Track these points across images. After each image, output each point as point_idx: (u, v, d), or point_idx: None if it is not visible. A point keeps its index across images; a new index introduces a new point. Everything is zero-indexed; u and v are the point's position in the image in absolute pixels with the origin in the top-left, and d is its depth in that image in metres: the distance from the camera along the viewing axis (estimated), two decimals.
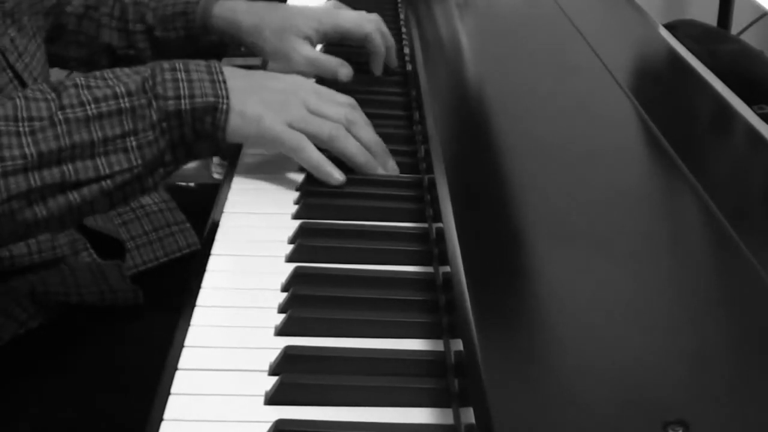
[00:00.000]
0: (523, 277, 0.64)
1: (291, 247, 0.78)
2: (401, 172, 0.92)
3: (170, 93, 0.81)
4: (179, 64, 0.83)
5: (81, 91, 0.80)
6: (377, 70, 1.16)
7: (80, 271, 0.98)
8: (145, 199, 1.11)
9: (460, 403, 0.58)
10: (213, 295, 0.72)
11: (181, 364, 0.64)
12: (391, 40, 1.16)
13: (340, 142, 0.87)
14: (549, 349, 0.56)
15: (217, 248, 0.79)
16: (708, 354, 0.55)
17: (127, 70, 0.83)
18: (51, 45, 1.14)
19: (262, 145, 0.91)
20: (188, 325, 0.68)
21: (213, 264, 0.77)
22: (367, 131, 0.89)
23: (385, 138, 0.99)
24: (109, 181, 0.80)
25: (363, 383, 0.62)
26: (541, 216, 0.71)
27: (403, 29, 1.32)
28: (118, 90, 0.80)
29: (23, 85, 0.94)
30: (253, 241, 0.80)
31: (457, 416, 0.58)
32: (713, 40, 1.20)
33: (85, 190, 0.79)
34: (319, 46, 1.17)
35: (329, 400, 0.61)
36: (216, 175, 2.31)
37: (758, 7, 1.86)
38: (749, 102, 0.90)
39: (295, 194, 0.88)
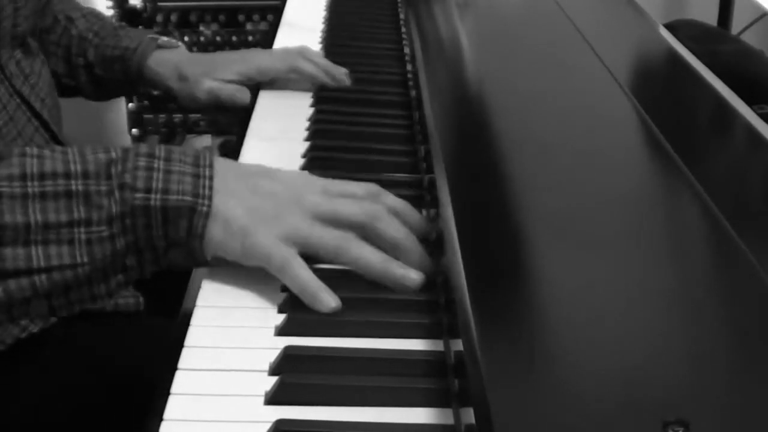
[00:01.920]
0: (523, 277, 0.64)
1: None
2: (401, 172, 0.92)
3: (139, 184, 0.67)
4: (161, 150, 0.70)
5: (27, 161, 0.66)
6: (329, 83, 1.14)
7: None
8: None
9: (460, 403, 0.58)
10: (213, 295, 0.72)
11: (181, 364, 0.64)
12: (325, 63, 1.14)
13: (350, 253, 0.71)
14: (549, 349, 0.56)
15: None
16: (708, 354, 0.55)
17: (97, 147, 0.70)
18: None
19: (249, 264, 0.72)
20: (188, 325, 0.68)
21: (213, 264, 0.76)
22: (392, 226, 0.72)
23: (385, 138, 0.99)
24: (43, 277, 0.66)
25: (363, 383, 0.62)
26: (541, 216, 0.71)
27: (403, 29, 1.32)
28: (73, 168, 0.66)
29: (31, 109, 0.93)
30: None
31: (457, 416, 0.58)
32: (713, 40, 1.20)
33: (12, 283, 0.65)
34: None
35: (329, 400, 0.61)
36: None
37: (758, 7, 1.86)
38: (749, 102, 0.90)
39: None
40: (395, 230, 0.72)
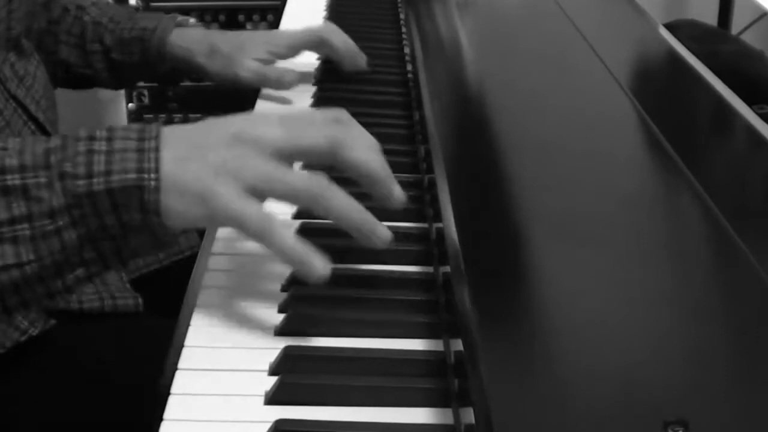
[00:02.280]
0: (523, 277, 0.64)
1: None
2: (401, 172, 0.91)
3: (80, 170, 0.62)
4: (102, 131, 0.65)
5: None
6: (352, 65, 1.15)
7: None
8: None
9: (460, 403, 0.58)
10: (213, 295, 0.72)
11: (181, 364, 0.64)
12: (349, 41, 1.14)
13: (323, 201, 0.65)
14: (549, 349, 0.56)
15: (216, 247, 0.79)
16: (708, 354, 0.55)
17: (37, 138, 0.66)
18: None
19: (217, 227, 0.69)
20: (188, 325, 0.69)
21: (213, 264, 0.77)
22: (362, 152, 0.67)
23: (386, 138, 0.99)
24: None
25: (363, 383, 0.62)
26: (542, 216, 0.71)
27: (403, 29, 1.32)
28: (8, 163, 0.62)
29: (27, 113, 0.93)
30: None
31: (457, 416, 0.58)
32: (713, 40, 1.20)
33: None
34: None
35: (329, 400, 0.61)
36: None
37: (758, 7, 1.86)
38: (749, 102, 0.90)
39: None
40: (366, 157, 0.67)
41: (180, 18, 1.16)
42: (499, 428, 0.48)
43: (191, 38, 1.13)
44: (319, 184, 0.65)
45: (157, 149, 0.64)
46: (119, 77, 1.19)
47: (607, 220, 0.71)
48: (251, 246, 0.79)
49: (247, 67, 1.10)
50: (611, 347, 0.55)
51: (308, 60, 1.21)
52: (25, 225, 0.62)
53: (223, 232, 0.81)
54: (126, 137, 0.64)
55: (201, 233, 1.07)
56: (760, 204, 0.75)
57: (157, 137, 0.64)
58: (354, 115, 1.04)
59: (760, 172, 0.81)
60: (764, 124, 0.85)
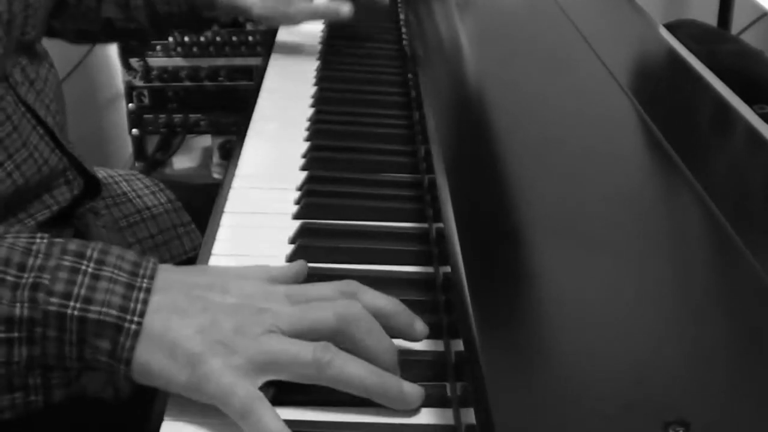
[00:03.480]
0: (523, 277, 0.64)
1: (291, 247, 0.78)
2: (401, 172, 0.92)
3: (58, 287, 0.55)
4: (94, 251, 0.58)
5: None
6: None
7: None
8: (151, 200, 1.10)
9: (460, 403, 0.58)
10: None
11: None
12: None
13: (331, 369, 0.57)
14: (549, 349, 0.56)
15: (217, 248, 0.79)
16: (708, 354, 0.55)
17: (22, 233, 0.59)
18: (52, 20, 1.14)
19: (193, 398, 0.58)
20: None
21: (213, 264, 0.77)
22: (373, 333, 0.60)
23: (386, 138, 0.99)
24: None
25: None
26: (542, 216, 0.71)
27: (403, 29, 1.32)
28: None
29: (36, 117, 0.93)
30: (253, 241, 0.80)
31: (457, 416, 0.58)
32: (713, 40, 1.20)
33: None
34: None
35: (329, 400, 0.61)
36: (216, 175, 2.31)
37: (758, 7, 1.86)
38: (749, 102, 0.90)
39: (296, 194, 0.88)
40: (376, 339, 0.59)
41: None
42: (499, 428, 0.48)
43: None
44: (328, 357, 0.57)
45: (148, 290, 0.57)
46: (161, 28, 1.23)
47: (606, 220, 0.71)
48: (251, 247, 0.79)
49: (300, 7, 1.16)
50: (611, 347, 0.55)
51: (309, 58, 1.21)
52: None
53: (223, 233, 0.81)
54: (117, 266, 0.58)
55: (200, 233, 1.07)
56: (760, 204, 0.75)
57: (151, 278, 0.58)
58: (354, 114, 1.05)
59: (760, 172, 0.81)
60: (764, 124, 0.85)
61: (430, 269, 0.75)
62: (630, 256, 0.65)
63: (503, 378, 0.52)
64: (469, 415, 0.53)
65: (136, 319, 0.55)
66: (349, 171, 0.91)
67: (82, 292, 0.55)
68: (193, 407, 0.60)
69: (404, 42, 1.27)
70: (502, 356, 0.55)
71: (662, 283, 0.63)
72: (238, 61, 2.17)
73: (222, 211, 0.85)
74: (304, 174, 0.91)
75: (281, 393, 0.61)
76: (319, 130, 1.01)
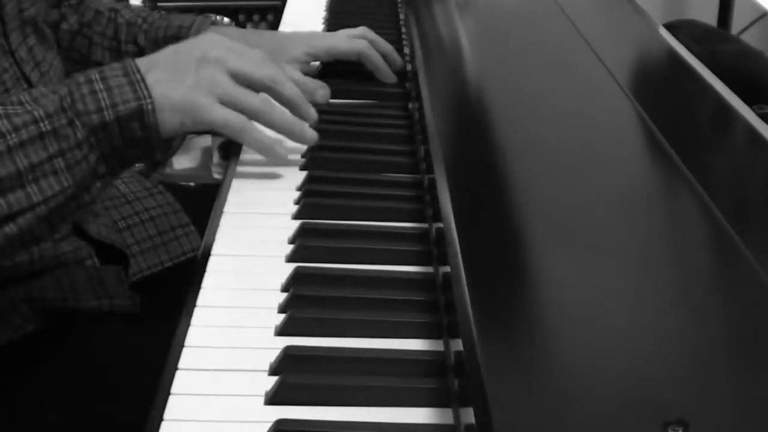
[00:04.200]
0: (523, 277, 0.64)
1: (291, 247, 0.78)
2: (401, 172, 0.92)
3: (91, 107, 0.78)
4: (95, 74, 0.80)
5: (0, 121, 0.76)
6: (387, 79, 1.14)
7: (78, 278, 0.98)
8: (150, 202, 1.11)
9: (460, 403, 0.58)
10: (213, 295, 0.72)
11: (181, 364, 0.64)
12: (387, 46, 1.15)
13: (266, 115, 0.86)
14: (549, 349, 0.56)
15: (217, 248, 0.79)
16: (708, 354, 0.55)
17: (44, 90, 0.80)
18: None
19: (205, 129, 0.86)
20: (188, 325, 0.69)
21: (213, 264, 0.77)
22: (289, 88, 0.89)
23: (385, 138, 0.99)
24: (43, 207, 0.77)
25: (363, 383, 0.62)
26: (542, 216, 0.71)
27: (403, 29, 1.32)
28: (36, 114, 0.77)
29: None
30: (253, 241, 0.80)
31: (457, 416, 0.58)
32: (713, 40, 1.20)
33: (21, 220, 0.76)
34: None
35: (329, 400, 0.61)
36: (216, 175, 2.31)
37: (758, 7, 1.86)
38: (749, 102, 0.90)
39: (295, 194, 0.88)
40: (291, 91, 0.89)
41: (215, 17, 1.17)
42: (499, 428, 0.48)
43: (228, 35, 1.10)
44: (268, 108, 0.86)
45: (143, 80, 0.80)
46: None
47: (606, 220, 0.71)
48: (251, 247, 0.79)
49: (288, 74, 1.11)
50: (611, 347, 0.55)
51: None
52: (60, 159, 0.77)
53: (223, 234, 0.81)
54: (115, 75, 0.80)
55: (200, 233, 1.07)
56: (760, 204, 0.75)
57: (138, 70, 0.80)
58: (354, 114, 1.05)
59: (760, 172, 0.81)
60: (764, 124, 0.85)
61: (429, 269, 0.75)
62: (630, 256, 0.65)
63: (502, 378, 0.52)
64: (469, 415, 0.53)
65: (149, 101, 0.79)
66: (349, 171, 0.91)
67: (107, 102, 0.78)
68: (193, 408, 0.60)
69: (404, 42, 1.27)
70: (502, 356, 0.55)
71: (662, 283, 0.63)
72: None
73: (222, 211, 0.85)
74: (304, 174, 0.91)
75: (282, 393, 0.61)
76: (318, 129, 1.01)
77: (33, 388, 0.89)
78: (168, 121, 0.81)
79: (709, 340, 0.57)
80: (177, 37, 1.14)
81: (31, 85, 0.93)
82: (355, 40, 1.14)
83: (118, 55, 1.18)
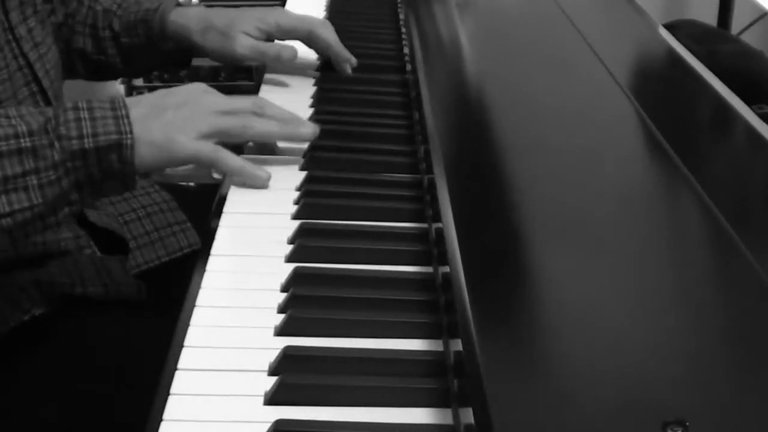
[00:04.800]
0: (523, 277, 0.64)
1: (291, 247, 0.78)
2: (401, 172, 0.92)
3: (73, 132, 0.80)
4: (83, 103, 0.83)
5: None
6: (342, 57, 1.16)
7: (84, 264, 0.99)
8: (146, 200, 1.11)
9: (459, 403, 0.58)
10: (213, 295, 0.72)
11: (181, 364, 0.64)
12: (340, 44, 1.17)
13: (255, 127, 0.88)
14: (548, 350, 0.56)
15: (217, 248, 0.79)
16: (708, 354, 0.55)
17: (32, 109, 0.83)
18: None
19: (180, 166, 0.88)
20: (188, 325, 0.69)
21: (213, 264, 0.77)
22: (277, 110, 0.91)
23: (385, 138, 0.99)
24: (9, 219, 0.79)
25: (363, 383, 0.62)
26: (541, 216, 0.71)
27: (403, 29, 1.32)
28: (19, 129, 0.79)
29: (33, 74, 0.95)
30: (253, 241, 0.80)
31: (456, 416, 0.58)
32: (713, 40, 1.20)
33: None
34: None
35: (329, 400, 0.61)
36: (216, 175, 2.30)
37: (758, 7, 1.86)
38: (749, 102, 0.90)
39: (295, 194, 0.88)
40: (280, 112, 0.91)
41: None
42: (498, 428, 0.48)
43: (188, 15, 1.16)
44: (251, 121, 0.88)
45: (127, 116, 0.82)
46: (130, 62, 1.22)
47: (606, 220, 0.71)
48: (251, 247, 0.79)
49: (243, 43, 1.13)
50: (610, 347, 0.55)
51: (309, 56, 1.21)
52: (34, 177, 0.79)
53: (223, 234, 0.81)
54: (102, 107, 0.82)
55: (200, 232, 1.08)
56: (760, 204, 0.75)
57: (125, 106, 0.83)
58: (354, 114, 1.05)
59: (760, 172, 0.81)
60: (764, 124, 0.85)
61: (429, 269, 0.75)
62: (629, 256, 0.65)
63: (502, 378, 0.52)
64: (468, 415, 0.53)
65: (129, 135, 0.81)
66: (348, 171, 0.91)
67: (89, 130, 0.80)
68: (193, 408, 0.60)
69: (404, 42, 1.27)
70: (501, 356, 0.55)
71: (662, 283, 0.63)
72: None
73: (221, 211, 0.85)
74: (303, 174, 0.91)
75: (281, 393, 0.61)
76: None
77: (37, 369, 0.90)
78: (145, 156, 0.83)
79: (709, 340, 0.57)
80: (144, 20, 1.17)
81: (29, 63, 0.95)
82: (309, 20, 1.17)
83: (97, 41, 1.19)
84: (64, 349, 0.93)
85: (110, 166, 0.82)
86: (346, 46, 1.21)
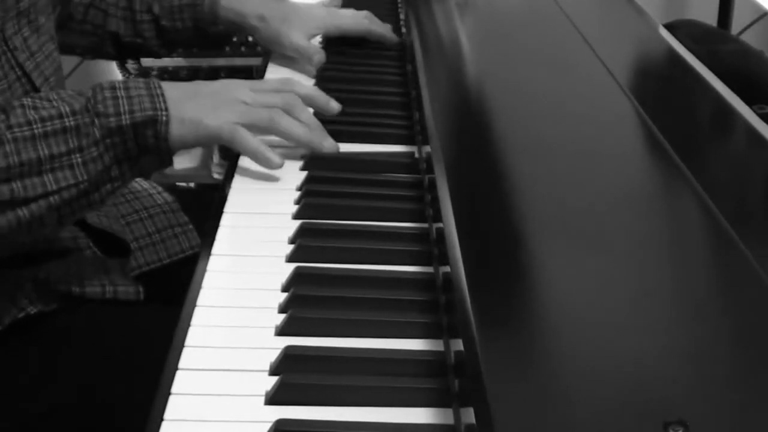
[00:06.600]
0: (523, 277, 0.64)
1: (291, 247, 0.78)
2: (401, 173, 0.92)
3: (111, 110, 0.84)
4: (119, 83, 0.87)
5: (28, 111, 0.83)
6: (392, 41, 1.27)
7: (84, 264, 0.99)
8: (149, 201, 1.11)
9: (460, 403, 0.58)
10: (213, 295, 0.73)
11: (181, 364, 0.64)
12: (386, 26, 1.28)
13: (282, 123, 0.91)
14: (549, 349, 0.56)
15: (217, 248, 0.79)
16: (708, 354, 0.55)
17: (71, 92, 0.87)
18: (57, 33, 1.15)
19: (205, 144, 0.99)
20: (188, 325, 0.69)
21: (213, 264, 0.77)
22: (305, 113, 0.94)
23: (385, 138, 0.99)
24: (56, 197, 0.83)
25: (363, 383, 0.62)
26: (541, 216, 0.71)
27: (403, 29, 1.32)
28: (62, 110, 0.83)
29: (31, 84, 0.96)
30: (253, 241, 0.80)
31: (457, 416, 0.58)
32: (713, 40, 1.20)
33: (34, 206, 0.82)
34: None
35: (329, 400, 0.61)
36: (216, 175, 2.30)
37: (758, 7, 1.86)
38: (749, 102, 0.90)
39: (296, 194, 0.88)
40: (308, 116, 0.94)
41: None
42: (499, 428, 0.48)
43: (244, 1, 1.22)
44: (278, 117, 0.92)
45: (162, 95, 0.87)
46: (168, 43, 1.26)
47: (606, 220, 0.71)
48: (251, 247, 0.79)
49: (293, 41, 1.20)
50: (611, 347, 0.55)
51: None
52: (78, 154, 0.83)
53: (223, 234, 0.81)
54: (137, 86, 0.87)
55: (200, 233, 1.07)
56: (760, 204, 0.75)
57: (160, 86, 0.88)
58: (354, 115, 1.05)
59: (760, 172, 0.81)
60: (764, 124, 0.85)
61: (429, 269, 0.75)
62: (629, 255, 0.65)
63: (503, 378, 0.52)
64: (469, 415, 0.53)
65: (164, 112, 0.86)
66: (348, 171, 0.91)
67: (126, 108, 0.85)
68: (194, 408, 0.60)
69: (404, 42, 1.27)
70: (502, 356, 0.55)
71: (662, 283, 0.63)
72: (238, 61, 2.16)
73: (222, 211, 0.85)
74: (304, 174, 0.91)
75: (282, 393, 0.61)
76: None
77: (34, 368, 0.91)
78: (176, 133, 0.87)
79: (709, 340, 0.57)
80: (193, 4, 1.22)
81: (25, 73, 0.96)
82: (362, 19, 1.27)
83: (133, 24, 1.23)
84: (65, 349, 0.93)
85: (146, 141, 0.86)
86: (346, 46, 1.22)
